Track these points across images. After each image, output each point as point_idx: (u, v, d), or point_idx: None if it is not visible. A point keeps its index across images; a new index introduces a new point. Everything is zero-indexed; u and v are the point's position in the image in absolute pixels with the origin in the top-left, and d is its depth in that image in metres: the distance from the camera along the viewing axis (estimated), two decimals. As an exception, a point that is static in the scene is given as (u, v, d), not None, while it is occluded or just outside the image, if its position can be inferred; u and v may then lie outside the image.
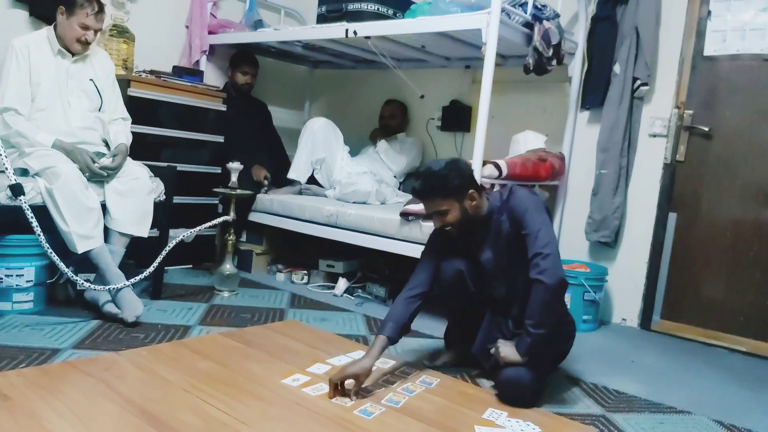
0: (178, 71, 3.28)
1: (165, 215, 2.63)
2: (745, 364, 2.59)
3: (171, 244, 2.50)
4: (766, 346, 2.70)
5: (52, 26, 2.46)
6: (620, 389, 2.08)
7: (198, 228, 2.66)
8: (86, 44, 2.46)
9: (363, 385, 1.79)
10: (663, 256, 2.98)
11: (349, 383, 1.75)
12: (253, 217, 3.35)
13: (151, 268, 2.42)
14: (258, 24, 3.71)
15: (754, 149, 2.76)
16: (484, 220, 1.93)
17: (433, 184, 1.85)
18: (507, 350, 1.81)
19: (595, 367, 2.30)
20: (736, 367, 2.53)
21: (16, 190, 2.10)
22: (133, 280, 2.30)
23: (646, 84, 2.91)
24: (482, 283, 2.01)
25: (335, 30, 3.00)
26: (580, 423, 1.76)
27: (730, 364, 2.56)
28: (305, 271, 3.28)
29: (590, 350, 2.49)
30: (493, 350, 1.86)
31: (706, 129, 2.86)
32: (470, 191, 1.87)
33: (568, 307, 2.35)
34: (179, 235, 2.56)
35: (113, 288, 2.23)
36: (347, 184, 3.26)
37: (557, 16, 2.76)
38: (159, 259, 2.45)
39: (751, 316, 2.75)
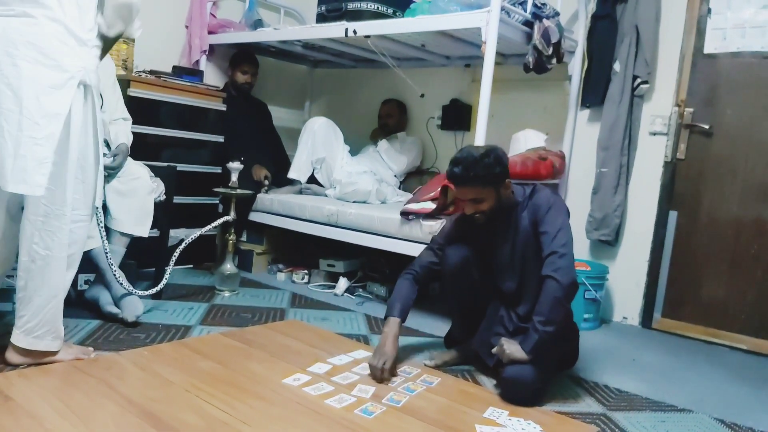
0: (178, 71, 3.29)
1: (165, 215, 2.63)
2: (746, 362, 2.59)
3: (179, 249, 2.53)
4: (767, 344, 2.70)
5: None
6: (621, 387, 2.08)
7: (200, 230, 2.67)
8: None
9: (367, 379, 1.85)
10: (664, 255, 2.97)
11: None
12: (254, 216, 3.35)
13: (164, 282, 2.46)
14: (258, 23, 3.71)
15: (754, 147, 2.75)
16: (506, 212, 1.94)
17: (477, 171, 1.81)
18: (512, 348, 1.81)
19: (596, 365, 2.30)
20: (737, 365, 2.53)
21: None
22: (150, 291, 2.35)
23: (646, 82, 2.91)
24: (492, 274, 2.02)
25: (335, 29, 3.00)
26: (581, 422, 1.76)
27: (731, 362, 2.56)
28: (306, 271, 3.28)
29: (591, 349, 2.49)
30: (496, 349, 1.86)
31: (707, 127, 2.86)
32: (506, 180, 1.87)
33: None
34: (180, 235, 2.57)
35: (136, 292, 2.26)
36: (347, 184, 3.26)
37: (557, 14, 2.75)
38: (170, 269, 2.48)
39: (752, 314, 2.74)
